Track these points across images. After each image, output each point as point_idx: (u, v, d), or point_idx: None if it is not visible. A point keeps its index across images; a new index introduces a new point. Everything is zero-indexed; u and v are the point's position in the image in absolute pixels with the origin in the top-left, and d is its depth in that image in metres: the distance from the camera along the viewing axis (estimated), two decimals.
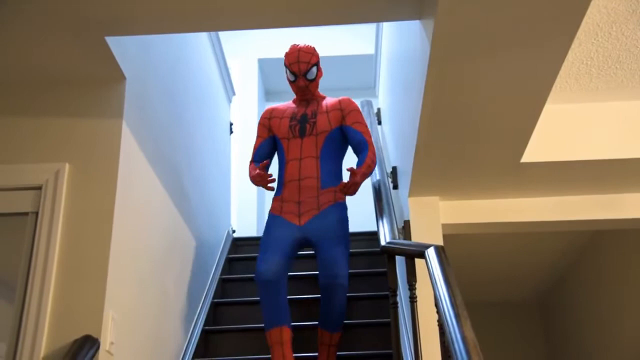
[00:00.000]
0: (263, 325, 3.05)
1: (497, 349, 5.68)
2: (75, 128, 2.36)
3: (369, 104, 4.90)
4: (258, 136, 3.26)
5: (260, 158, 3.21)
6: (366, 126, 3.14)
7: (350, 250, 4.26)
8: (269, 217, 3.06)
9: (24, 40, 2.22)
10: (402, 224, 3.29)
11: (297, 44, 3.14)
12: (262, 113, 3.30)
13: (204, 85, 3.90)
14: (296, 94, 3.22)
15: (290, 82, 3.16)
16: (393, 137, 4.01)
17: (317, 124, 3.11)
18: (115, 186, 2.26)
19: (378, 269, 3.96)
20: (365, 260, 4.18)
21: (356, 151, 3.10)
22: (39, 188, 2.25)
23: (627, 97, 3.14)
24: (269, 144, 3.24)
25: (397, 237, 3.07)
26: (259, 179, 2.93)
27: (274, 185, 3.32)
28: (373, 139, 4.28)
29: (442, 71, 2.33)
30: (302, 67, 3.08)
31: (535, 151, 3.02)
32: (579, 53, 2.83)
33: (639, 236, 4.05)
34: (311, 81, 3.14)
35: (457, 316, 1.95)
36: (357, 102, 6.37)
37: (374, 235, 4.44)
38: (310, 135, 3.11)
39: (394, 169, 3.87)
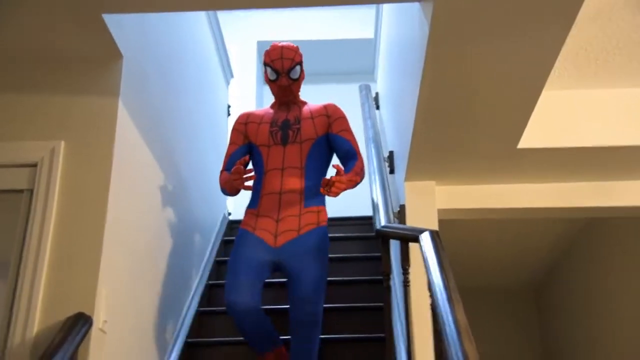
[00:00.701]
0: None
1: (490, 335, 5.71)
2: (72, 106, 2.35)
3: (367, 88, 4.89)
4: (231, 143, 2.90)
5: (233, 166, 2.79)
6: (354, 135, 2.89)
7: (346, 235, 4.29)
8: (239, 233, 2.71)
9: (20, 17, 2.20)
10: (398, 209, 3.30)
11: (278, 42, 2.90)
12: (236, 118, 2.95)
13: (202, 67, 3.88)
14: (276, 96, 2.92)
15: (270, 82, 2.88)
16: (391, 122, 4.01)
17: (302, 130, 2.81)
18: (111, 165, 2.26)
19: (372, 253, 3.97)
20: (360, 245, 4.19)
21: (343, 161, 2.84)
22: (35, 165, 2.25)
23: (625, 84, 3.14)
24: (243, 152, 2.89)
25: (393, 221, 3.08)
26: (236, 175, 2.51)
27: (251, 183, 2.90)
28: (371, 123, 4.28)
29: (440, 55, 2.32)
30: (285, 64, 2.81)
31: (532, 137, 3.02)
32: (578, 39, 2.82)
33: (634, 224, 4.06)
34: (294, 81, 2.87)
35: (450, 300, 1.96)
36: (356, 86, 6.36)
37: (368, 220, 4.45)
38: (293, 143, 2.79)
39: (391, 153, 3.87)
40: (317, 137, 2.82)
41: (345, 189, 2.49)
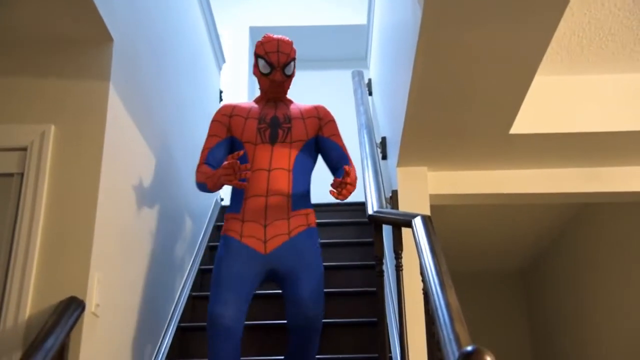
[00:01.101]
0: None
1: (481, 319, 5.76)
2: (62, 90, 2.33)
3: (360, 74, 4.87)
4: (212, 135, 2.67)
5: (215, 162, 2.61)
6: (342, 140, 2.77)
7: (339, 220, 4.29)
8: (224, 240, 2.51)
9: (7, 0, 2.17)
10: (390, 194, 3.30)
11: (271, 34, 2.73)
12: (218, 109, 2.75)
13: (194, 51, 3.85)
14: (266, 91, 2.73)
15: (262, 76, 2.70)
16: (383, 108, 4.00)
17: (293, 130, 2.65)
18: (102, 148, 2.24)
19: (365, 239, 3.97)
20: (352, 230, 4.20)
21: (334, 166, 2.72)
22: (25, 149, 2.23)
23: (618, 70, 3.14)
24: (226, 146, 2.67)
25: (385, 207, 3.08)
26: (229, 170, 2.29)
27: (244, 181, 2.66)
28: (363, 109, 4.27)
29: (432, 40, 2.32)
30: (281, 58, 2.64)
31: (525, 123, 3.03)
32: (571, 24, 2.81)
33: (625, 210, 4.08)
34: (288, 77, 2.70)
35: (442, 284, 1.96)
36: (348, 72, 6.34)
37: (361, 206, 4.45)
38: (283, 143, 2.61)
39: (383, 139, 3.86)
40: (308, 139, 2.67)
41: (351, 192, 2.41)
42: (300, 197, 2.57)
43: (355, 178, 2.43)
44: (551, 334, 5.37)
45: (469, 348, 1.53)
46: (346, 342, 3.11)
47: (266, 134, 2.62)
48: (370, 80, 4.99)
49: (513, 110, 2.78)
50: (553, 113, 3.06)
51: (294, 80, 6.52)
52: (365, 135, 3.92)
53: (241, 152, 2.30)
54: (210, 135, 2.67)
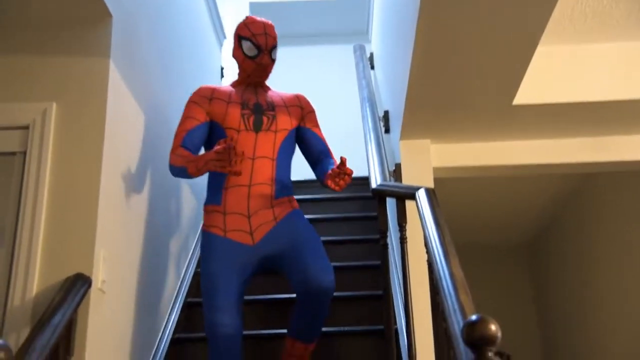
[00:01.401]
0: None
1: (485, 290, 5.80)
2: (62, 68, 2.32)
3: (362, 48, 4.83)
4: (189, 117, 2.48)
5: (192, 146, 2.44)
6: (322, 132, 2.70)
7: (343, 195, 4.30)
8: (207, 238, 2.39)
9: None
10: (394, 167, 3.30)
11: (253, 16, 2.61)
12: (196, 90, 2.57)
13: (194, 27, 3.82)
14: (249, 74, 2.58)
15: (247, 59, 2.54)
16: (385, 81, 3.98)
17: (278, 118, 2.53)
18: (104, 125, 2.24)
19: (369, 213, 3.98)
20: (356, 205, 4.20)
21: (316, 158, 2.64)
22: (27, 128, 2.23)
23: (622, 38, 3.11)
24: (204, 130, 2.50)
25: (389, 180, 3.08)
26: (222, 156, 2.10)
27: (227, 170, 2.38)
28: (365, 83, 4.25)
29: (434, 13, 2.30)
30: (269, 41, 2.53)
31: (528, 93, 3.01)
32: None
33: (626, 180, 4.07)
34: (273, 61, 2.59)
35: (446, 254, 1.97)
36: (350, 47, 6.30)
37: (365, 181, 4.45)
38: (267, 131, 2.48)
39: (386, 113, 3.85)
40: (292, 128, 2.58)
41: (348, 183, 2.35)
42: (283, 186, 2.49)
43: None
44: (555, 304, 5.41)
45: (474, 317, 1.53)
46: (352, 316, 3.13)
47: (250, 121, 2.49)
48: (372, 54, 4.96)
49: (516, 80, 2.76)
50: (556, 83, 3.04)
51: (296, 54, 6.49)
52: (368, 109, 3.90)
53: (233, 141, 2.12)
54: (187, 117, 2.49)
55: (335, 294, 3.18)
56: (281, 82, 6.16)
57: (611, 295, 4.36)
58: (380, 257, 2.85)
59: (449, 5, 2.26)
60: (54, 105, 2.24)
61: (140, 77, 2.67)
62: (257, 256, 2.38)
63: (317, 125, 2.67)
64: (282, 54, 6.46)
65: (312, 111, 2.68)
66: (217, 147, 2.15)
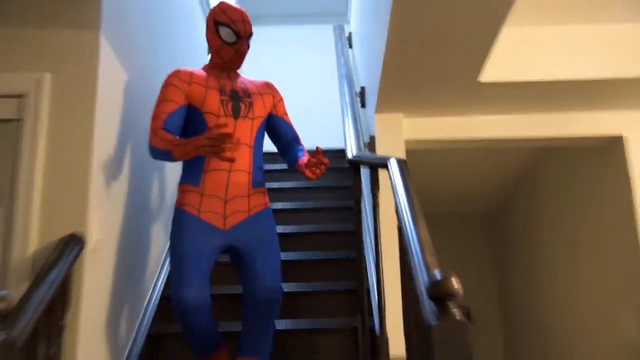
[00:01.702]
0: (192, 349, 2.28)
1: (450, 255, 5.86)
2: (55, 39, 2.28)
3: (341, 28, 4.81)
4: (168, 100, 2.32)
5: (173, 128, 2.29)
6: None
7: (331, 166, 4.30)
8: (180, 215, 2.27)
9: None
10: (368, 140, 3.31)
11: (226, 2, 2.49)
12: (173, 73, 2.39)
13: (182, 3, 3.76)
14: (225, 60, 2.43)
15: (224, 45, 2.40)
16: (362, 59, 3.97)
17: (254, 106, 2.42)
18: (95, 94, 2.21)
19: (345, 183, 4.00)
20: (333, 175, 4.22)
21: (286, 145, 2.56)
22: (22, 96, 2.19)
23: (582, 21, 3.13)
24: (183, 113, 2.34)
25: (363, 151, 3.09)
26: (216, 142, 1.97)
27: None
28: (344, 61, 4.24)
29: None
30: (247, 28, 2.41)
31: (494, 71, 3.03)
32: None
33: (580, 154, 4.13)
34: (248, 48, 2.46)
35: (414, 219, 1.99)
36: (330, 27, 6.25)
37: (342, 153, 4.46)
38: (245, 118, 2.38)
39: (362, 89, 3.85)
40: (265, 115, 2.48)
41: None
42: (259, 174, 2.42)
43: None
44: (513, 270, 5.51)
45: (438, 275, 1.56)
46: (329, 274, 3.17)
47: (229, 107, 2.37)
48: (350, 33, 4.93)
49: (481, 59, 2.77)
50: (521, 62, 3.06)
51: (278, 34, 6.42)
52: (346, 86, 3.90)
53: (226, 126, 1.96)
54: (166, 99, 2.33)
55: (314, 255, 3.21)
56: (263, 61, 6.10)
57: (564, 261, 4.45)
58: (355, 221, 2.88)
59: None
60: (48, 75, 2.21)
61: (130, 48, 2.63)
62: (225, 241, 2.29)
63: (286, 113, 2.58)
64: (265, 33, 6.39)
65: (282, 99, 2.59)
66: (209, 133, 1.99)
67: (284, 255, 3.19)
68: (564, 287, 4.47)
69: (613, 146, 3.48)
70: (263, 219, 2.36)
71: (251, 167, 2.36)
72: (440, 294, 1.59)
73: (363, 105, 3.80)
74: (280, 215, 3.66)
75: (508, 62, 3.05)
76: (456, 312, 1.56)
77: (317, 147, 2.23)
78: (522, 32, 3.13)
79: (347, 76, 4.04)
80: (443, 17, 2.45)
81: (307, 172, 2.29)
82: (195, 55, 4.13)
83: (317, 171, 2.27)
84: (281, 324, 2.73)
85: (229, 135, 1.96)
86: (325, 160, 2.24)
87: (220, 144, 1.98)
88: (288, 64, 6.21)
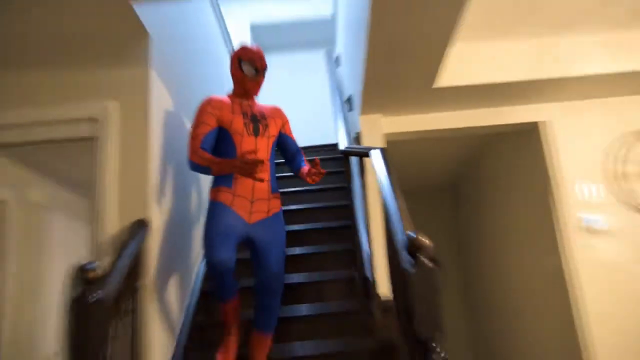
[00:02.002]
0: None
1: (424, 220, 5.78)
2: (119, 73, 2.30)
3: (330, 52, 4.82)
4: (205, 123, 2.26)
5: (209, 147, 2.26)
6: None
7: (321, 156, 4.34)
8: (215, 205, 2.23)
9: (75, 6, 2.12)
10: (355, 135, 3.34)
11: (247, 44, 2.44)
12: (206, 101, 2.34)
13: (210, 42, 3.77)
14: (245, 89, 2.40)
15: (245, 78, 2.38)
16: (349, 73, 3.98)
17: (269, 126, 2.39)
18: (148, 118, 2.25)
19: (339, 168, 4.03)
20: (330, 163, 4.23)
21: (291, 157, 2.51)
22: (95, 120, 2.23)
23: (511, 38, 3.15)
24: (215, 134, 2.30)
25: (352, 144, 3.14)
26: (251, 166, 2.01)
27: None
28: (333, 77, 4.24)
29: (380, 22, 2.31)
30: (264, 64, 2.39)
31: (447, 78, 3.04)
32: (484, 5, 2.80)
33: (518, 138, 4.14)
34: (264, 80, 2.45)
35: (394, 193, 2.02)
36: (321, 52, 6.22)
37: (335, 146, 4.47)
38: (262, 137, 2.35)
39: (350, 96, 3.87)
40: (277, 134, 2.44)
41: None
42: (275, 183, 2.39)
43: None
44: (470, 231, 5.48)
45: (412, 234, 1.63)
46: (331, 239, 3.22)
47: (250, 128, 2.33)
48: (338, 55, 4.94)
49: (435, 70, 2.79)
50: (466, 70, 3.07)
51: (281, 60, 6.41)
52: (337, 95, 3.93)
53: (256, 154, 2.13)
54: (202, 122, 2.27)
55: (316, 225, 3.25)
56: (272, 83, 6.08)
57: (501, 224, 4.43)
58: (348, 199, 2.92)
59: (391, 16, 2.28)
60: (115, 103, 2.25)
61: (173, 79, 2.66)
62: (248, 231, 2.25)
63: (291, 132, 2.54)
64: (272, 60, 6.37)
65: (288, 121, 2.53)
66: (244, 157, 2.05)
67: (298, 227, 3.23)
68: (502, 248, 4.47)
69: (532, 130, 3.51)
70: (278, 220, 2.33)
71: (269, 176, 2.34)
72: (413, 248, 1.65)
73: (351, 109, 3.83)
74: (293, 197, 3.69)
75: (457, 71, 3.07)
76: (426, 261, 1.62)
77: (315, 159, 2.23)
78: (468, 47, 3.15)
79: (337, 88, 4.06)
80: (406, 37, 2.46)
81: (308, 179, 2.28)
82: (222, 84, 4.13)
83: (316, 178, 2.26)
84: (300, 277, 2.77)
85: (262, 162, 1.98)
86: (323, 171, 2.24)
87: (254, 167, 2.01)
88: (292, 83, 6.21)
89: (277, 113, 2.48)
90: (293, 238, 3.18)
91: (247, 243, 2.30)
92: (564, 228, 3.23)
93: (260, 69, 2.39)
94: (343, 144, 3.04)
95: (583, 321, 3.07)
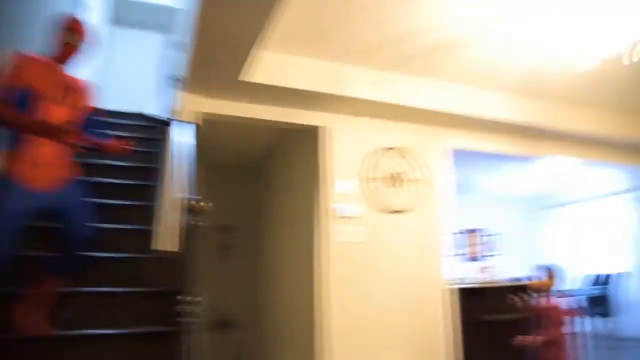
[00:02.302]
0: None
1: (229, 196, 5.88)
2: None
3: (168, 39, 4.62)
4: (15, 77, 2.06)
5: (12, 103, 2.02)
6: None
7: (139, 124, 4.33)
8: (5, 184, 2.06)
9: None
10: (176, 110, 3.52)
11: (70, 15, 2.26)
12: (24, 56, 2.12)
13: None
14: (65, 56, 2.23)
15: (68, 45, 2.21)
16: (182, 57, 3.98)
17: (79, 96, 2.29)
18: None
19: (155, 136, 4.07)
20: (154, 131, 4.26)
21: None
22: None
23: (314, 56, 3.60)
24: (21, 92, 2.08)
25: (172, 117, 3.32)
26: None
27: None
28: (168, 63, 4.13)
29: (206, 19, 2.62)
30: (83, 34, 2.27)
31: (254, 76, 3.41)
32: (290, 18, 3.10)
33: (303, 137, 4.43)
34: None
35: (180, 161, 2.35)
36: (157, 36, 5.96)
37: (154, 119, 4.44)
38: (66, 104, 2.23)
39: (178, 78, 3.94)
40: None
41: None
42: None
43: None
44: (266, 203, 5.77)
45: (193, 198, 2.01)
46: (134, 195, 3.39)
47: (59, 94, 2.19)
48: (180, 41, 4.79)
49: (240, 65, 3.14)
50: (272, 74, 3.46)
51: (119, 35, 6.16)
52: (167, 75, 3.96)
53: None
54: (13, 76, 2.07)
55: (129, 181, 3.40)
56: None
57: (289, 213, 4.70)
58: (156, 158, 3.09)
59: (212, 13, 2.55)
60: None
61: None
62: (41, 202, 2.15)
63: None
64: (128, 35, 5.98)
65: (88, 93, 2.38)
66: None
67: (120, 181, 3.34)
68: (279, 227, 4.92)
69: (314, 132, 3.98)
70: (75, 186, 2.28)
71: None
72: (193, 209, 2.10)
73: (178, 88, 3.97)
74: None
75: (265, 72, 3.43)
76: (200, 220, 2.05)
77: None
78: (276, 56, 3.53)
79: (167, 73, 4.09)
80: (221, 33, 2.72)
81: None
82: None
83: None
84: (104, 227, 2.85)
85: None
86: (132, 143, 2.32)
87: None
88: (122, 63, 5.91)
89: (82, 84, 2.34)
90: (108, 191, 3.35)
91: (46, 212, 2.19)
92: (323, 215, 3.87)
93: (79, 39, 2.27)
94: (160, 115, 3.22)
95: (323, 280, 3.82)
